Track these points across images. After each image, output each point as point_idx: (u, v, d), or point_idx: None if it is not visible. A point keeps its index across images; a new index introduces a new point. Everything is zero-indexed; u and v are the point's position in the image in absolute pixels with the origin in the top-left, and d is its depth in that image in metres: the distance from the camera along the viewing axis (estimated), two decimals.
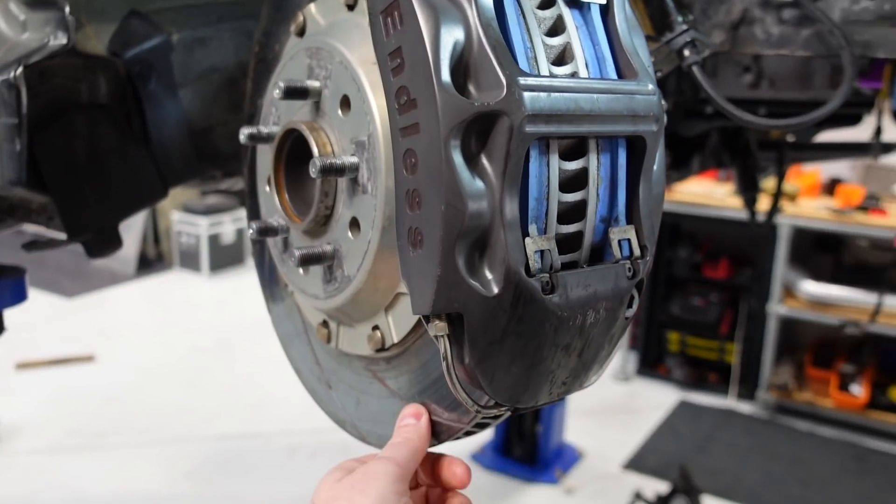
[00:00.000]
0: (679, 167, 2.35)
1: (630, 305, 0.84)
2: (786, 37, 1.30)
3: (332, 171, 0.91)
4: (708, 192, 5.29)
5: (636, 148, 0.82)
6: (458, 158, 0.71)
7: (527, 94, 0.71)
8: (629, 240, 0.83)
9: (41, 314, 6.48)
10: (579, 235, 0.81)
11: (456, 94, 0.71)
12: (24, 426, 4.76)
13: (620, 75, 0.83)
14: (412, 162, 0.75)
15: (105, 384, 5.36)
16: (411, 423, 0.90)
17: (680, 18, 1.14)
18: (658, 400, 5.49)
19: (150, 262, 8.01)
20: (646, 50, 0.87)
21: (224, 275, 7.79)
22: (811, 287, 5.04)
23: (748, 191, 2.65)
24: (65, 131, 1.41)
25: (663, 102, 0.95)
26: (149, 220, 7.93)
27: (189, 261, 7.82)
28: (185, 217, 7.75)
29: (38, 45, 1.32)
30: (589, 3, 0.83)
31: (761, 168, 2.69)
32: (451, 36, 0.72)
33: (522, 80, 0.71)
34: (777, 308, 5.14)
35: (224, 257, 7.82)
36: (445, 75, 0.72)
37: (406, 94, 0.75)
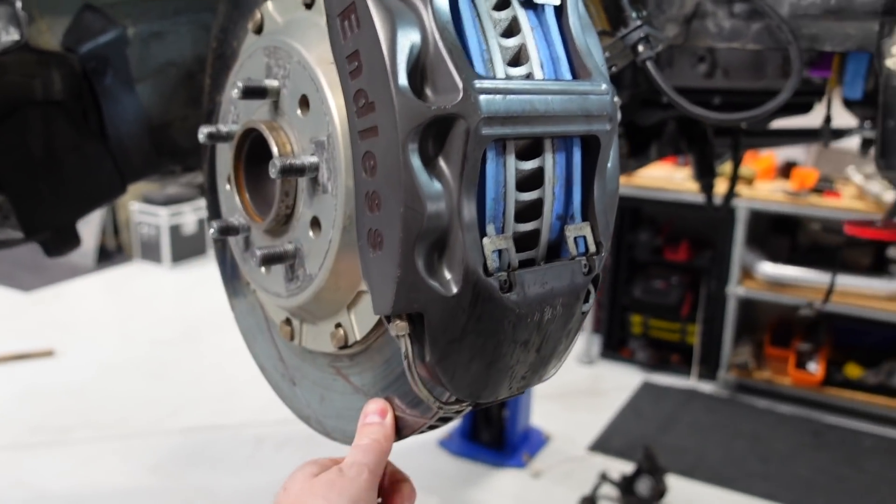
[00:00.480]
0: (637, 155, 2.38)
1: (586, 300, 0.86)
2: (737, 30, 1.33)
3: (291, 172, 0.92)
4: (667, 177, 5.36)
5: (590, 146, 0.84)
6: (416, 161, 0.73)
7: (482, 98, 0.72)
8: (584, 237, 0.84)
9: None
10: (536, 233, 0.82)
11: (413, 97, 0.72)
12: None
13: (574, 75, 0.84)
14: (371, 164, 0.76)
15: (66, 379, 5.28)
16: (376, 421, 0.92)
17: (634, 14, 1.16)
18: (622, 382, 5.57)
19: (109, 253, 7.88)
20: (599, 49, 0.88)
21: (186, 265, 7.69)
22: (768, 268, 5.15)
23: (705, 177, 2.69)
24: (19, 128, 1.40)
25: (617, 99, 0.97)
26: (108, 211, 7.79)
27: (150, 252, 7.72)
28: (145, 208, 7.64)
29: None
30: (543, 5, 0.84)
31: (718, 154, 2.74)
32: (408, 39, 0.73)
33: (478, 84, 0.72)
34: (736, 289, 5.24)
35: (185, 248, 7.72)
36: (402, 79, 0.72)
37: (364, 98, 0.75)
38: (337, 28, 0.78)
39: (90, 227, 7.42)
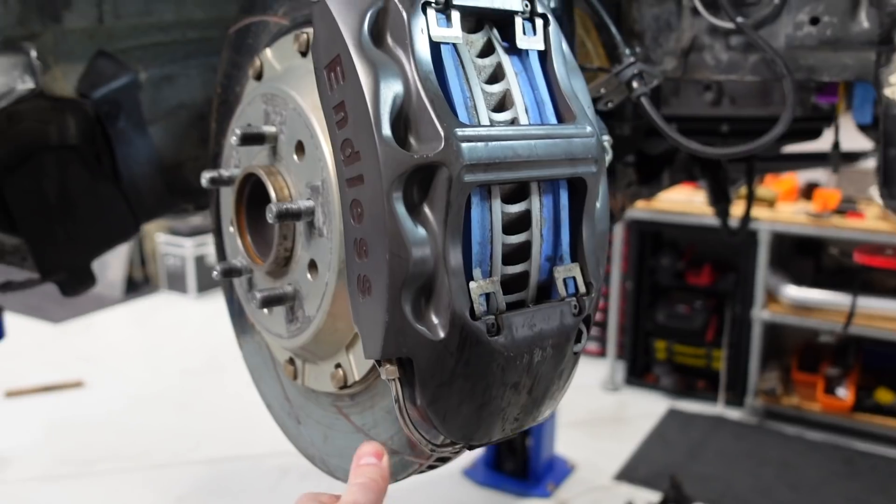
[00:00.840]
0: (649, 183, 2.38)
1: (578, 340, 0.87)
2: (734, 62, 1.34)
3: (287, 216, 0.94)
4: (687, 200, 5.34)
5: (577, 188, 0.85)
6: (400, 209, 0.74)
7: (465, 145, 0.74)
8: (574, 277, 0.85)
9: (29, 341, 6.46)
10: (525, 275, 0.83)
11: (396, 147, 0.74)
12: (13, 455, 4.74)
13: (560, 118, 0.86)
14: (358, 212, 0.78)
15: (94, 410, 5.35)
16: (373, 462, 0.92)
17: (628, 51, 1.17)
18: (647, 409, 5.51)
19: (137, 284, 8.00)
20: (585, 91, 0.90)
21: (211, 295, 7.78)
22: (793, 292, 5.08)
23: (720, 202, 2.68)
24: (34, 173, 1.44)
25: (607, 138, 0.98)
26: (135, 242, 7.92)
27: (176, 282, 7.82)
28: (171, 239, 7.75)
29: (4, 91, 1.35)
30: (527, 50, 0.86)
31: (732, 180, 2.73)
32: (391, 90, 0.75)
33: (460, 132, 0.74)
34: (761, 313, 5.17)
35: (210, 278, 7.77)
36: (386, 129, 0.74)
37: (350, 147, 0.77)
38: (324, 79, 0.80)
39: (118, 258, 7.54)
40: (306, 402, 1.13)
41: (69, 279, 1.49)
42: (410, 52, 0.76)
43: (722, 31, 1.33)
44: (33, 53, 1.37)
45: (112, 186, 1.53)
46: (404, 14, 0.76)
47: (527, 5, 0.86)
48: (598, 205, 0.88)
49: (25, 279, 1.50)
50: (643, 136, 1.80)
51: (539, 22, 0.87)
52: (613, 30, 1.17)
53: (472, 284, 0.77)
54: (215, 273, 1.09)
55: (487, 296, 0.78)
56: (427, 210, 0.75)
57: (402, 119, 0.76)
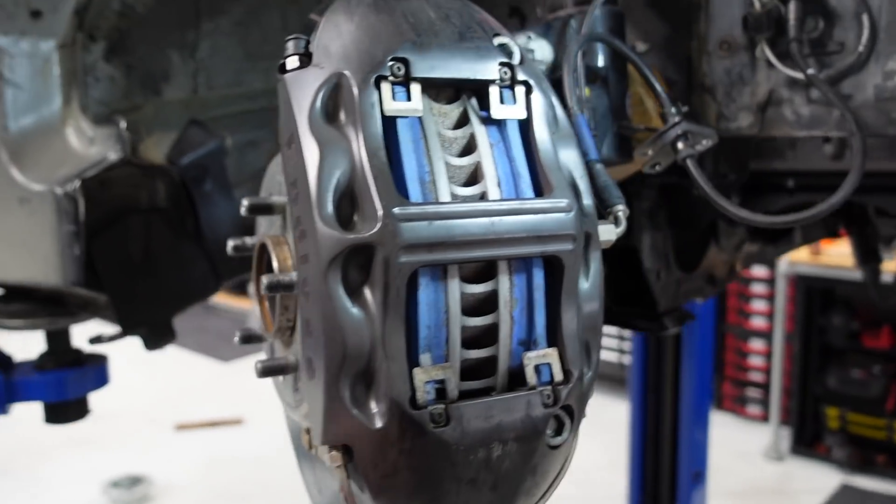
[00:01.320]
0: (777, 241, 2.17)
1: (559, 433, 0.79)
2: (817, 117, 1.20)
3: (279, 288, 0.93)
4: None
5: (555, 267, 0.78)
6: (337, 290, 0.71)
7: (403, 225, 0.70)
8: (549, 364, 0.77)
9: (200, 377, 6.98)
10: (493, 360, 0.77)
11: (334, 226, 0.71)
12: (175, 485, 5.10)
13: (539, 191, 0.79)
14: (307, 291, 0.75)
15: (250, 446, 5.65)
16: None
17: (673, 110, 1.07)
18: (816, 483, 4.99)
19: None
20: (577, 162, 0.83)
21: None
22: None
23: (868, 262, 2.40)
24: (121, 235, 1.54)
25: (622, 209, 0.90)
26: None
27: None
28: None
29: (97, 159, 1.47)
30: (506, 120, 0.80)
31: (885, 238, 2.43)
32: (336, 168, 0.73)
33: (400, 210, 0.70)
34: None
35: None
36: (327, 208, 0.72)
37: (300, 224, 0.76)
38: (287, 156, 0.79)
39: None
40: (324, 473, 1.11)
41: (150, 334, 1.58)
42: (359, 128, 0.73)
43: (802, 83, 1.19)
44: (122, 125, 1.48)
45: (195, 246, 1.61)
46: (355, 90, 0.74)
47: (506, 73, 0.81)
48: (585, 284, 0.80)
49: (115, 333, 1.61)
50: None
51: (520, 90, 0.81)
52: (657, 87, 1.08)
53: (417, 370, 0.72)
54: (235, 339, 1.10)
55: (438, 383, 0.73)
56: (367, 292, 0.71)
57: (349, 197, 0.73)
